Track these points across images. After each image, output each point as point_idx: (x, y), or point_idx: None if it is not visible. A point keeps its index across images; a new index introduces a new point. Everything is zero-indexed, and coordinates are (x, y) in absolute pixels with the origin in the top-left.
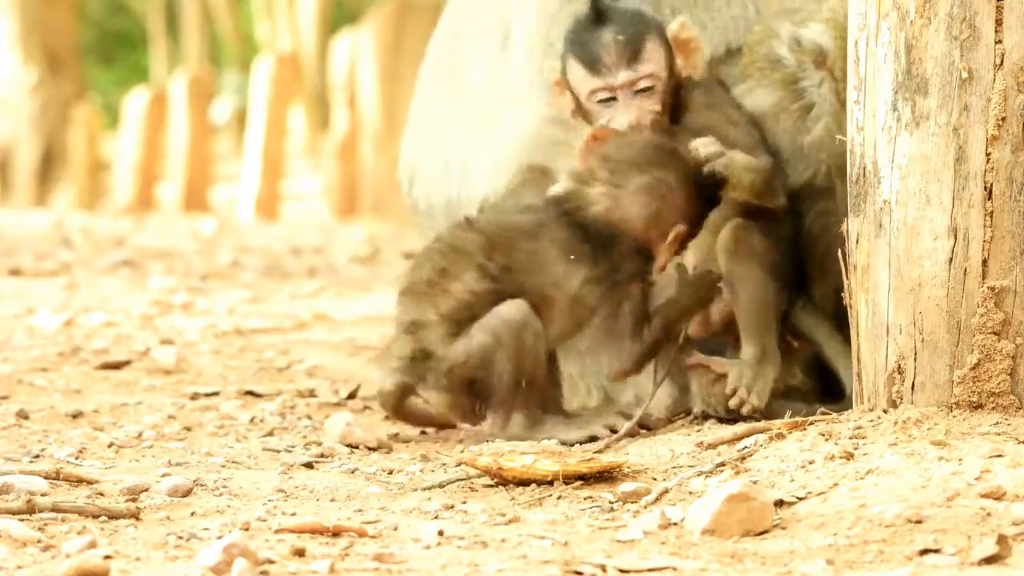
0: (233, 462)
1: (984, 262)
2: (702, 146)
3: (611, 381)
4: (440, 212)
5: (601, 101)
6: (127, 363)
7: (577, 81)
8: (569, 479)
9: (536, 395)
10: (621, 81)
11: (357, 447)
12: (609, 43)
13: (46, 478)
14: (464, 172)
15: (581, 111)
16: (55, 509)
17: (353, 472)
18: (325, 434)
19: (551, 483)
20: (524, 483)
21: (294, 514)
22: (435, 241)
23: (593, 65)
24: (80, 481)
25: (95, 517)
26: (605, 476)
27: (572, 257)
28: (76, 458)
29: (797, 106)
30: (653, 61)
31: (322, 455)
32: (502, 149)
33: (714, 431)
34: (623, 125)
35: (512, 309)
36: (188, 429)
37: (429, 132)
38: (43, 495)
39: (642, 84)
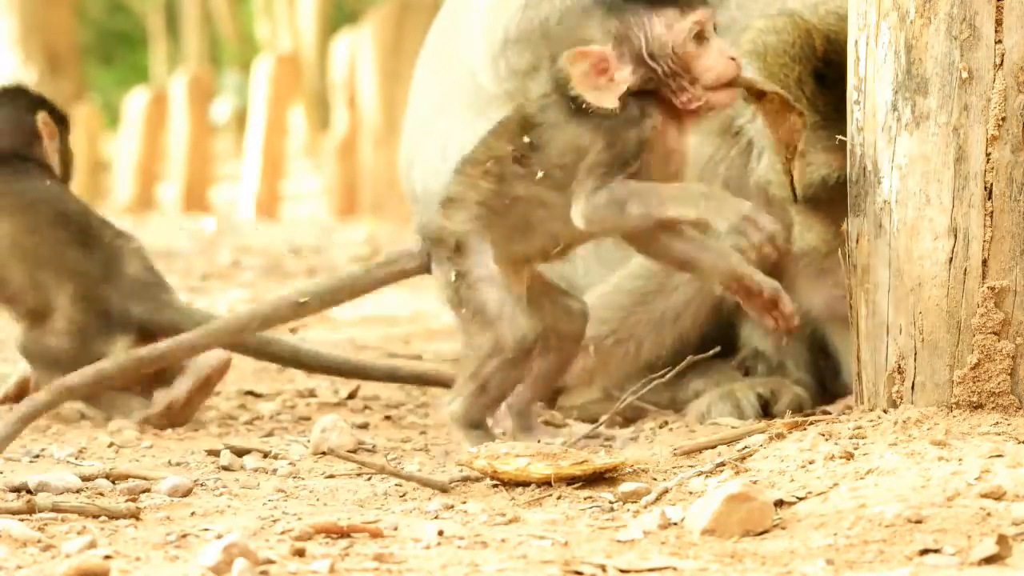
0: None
1: (984, 262)
2: None
3: None
4: (436, 198)
5: (698, 40)
6: None
7: (658, 32)
8: (562, 482)
9: None
10: None
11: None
12: None
13: None
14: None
15: (663, 76)
16: (55, 509)
17: (355, 472)
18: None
19: (550, 484)
20: (522, 484)
21: (296, 515)
22: None
23: (678, 2)
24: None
25: (95, 517)
26: (601, 478)
27: None
28: (76, 458)
29: (737, 150)
30: None
31: (323, 454)
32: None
33: (714, 431)
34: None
35: None
36: (188, 429)
37: (426, 116)
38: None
39: None
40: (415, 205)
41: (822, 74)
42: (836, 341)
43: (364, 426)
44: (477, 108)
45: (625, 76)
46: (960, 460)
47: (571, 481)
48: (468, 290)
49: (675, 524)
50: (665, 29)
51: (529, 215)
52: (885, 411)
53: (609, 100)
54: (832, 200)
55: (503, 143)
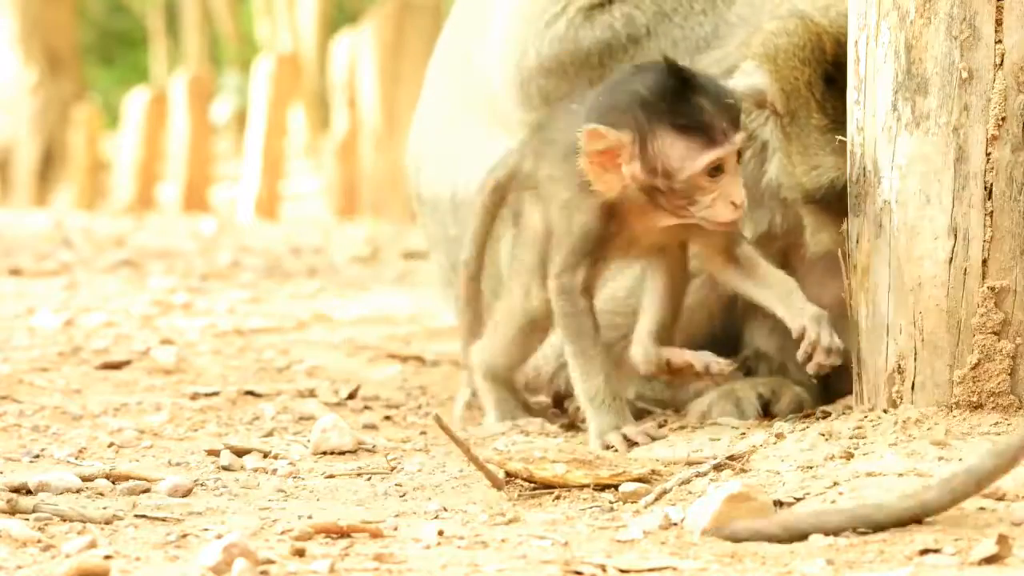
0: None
1: (984, 262)
2: None
3: None
4: (445, 204)
5: (712, 173)
6: (127, 363)
7: (677, 154)
8: (600, 490)
9: None
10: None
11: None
12: (718, 108)
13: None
14: (475, 164)
15: (664, 190)
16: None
17: (355, 472)
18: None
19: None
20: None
21: (296, 515)
22: None
23: (708, 132)
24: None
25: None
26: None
27: None
28: (76, 458)
29: (750, 153)
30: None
31: (323, 454)
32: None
33: (715, 430)
34: (738, 202)
35: None
36: (188, 429)
37: (439, 122)
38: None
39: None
40: (421, 207)
41: (832, 77)
42: (844, 341)
43: (364, 426)
44: (496, 124)
45: (633, 173)
46: (960, 460)
47: (606, 488)
48: None
49: (675, 524)
50: (683, 155)
51: None
52: (885, 411)
53: (610, 188)
54: (842, 202)
55: None
